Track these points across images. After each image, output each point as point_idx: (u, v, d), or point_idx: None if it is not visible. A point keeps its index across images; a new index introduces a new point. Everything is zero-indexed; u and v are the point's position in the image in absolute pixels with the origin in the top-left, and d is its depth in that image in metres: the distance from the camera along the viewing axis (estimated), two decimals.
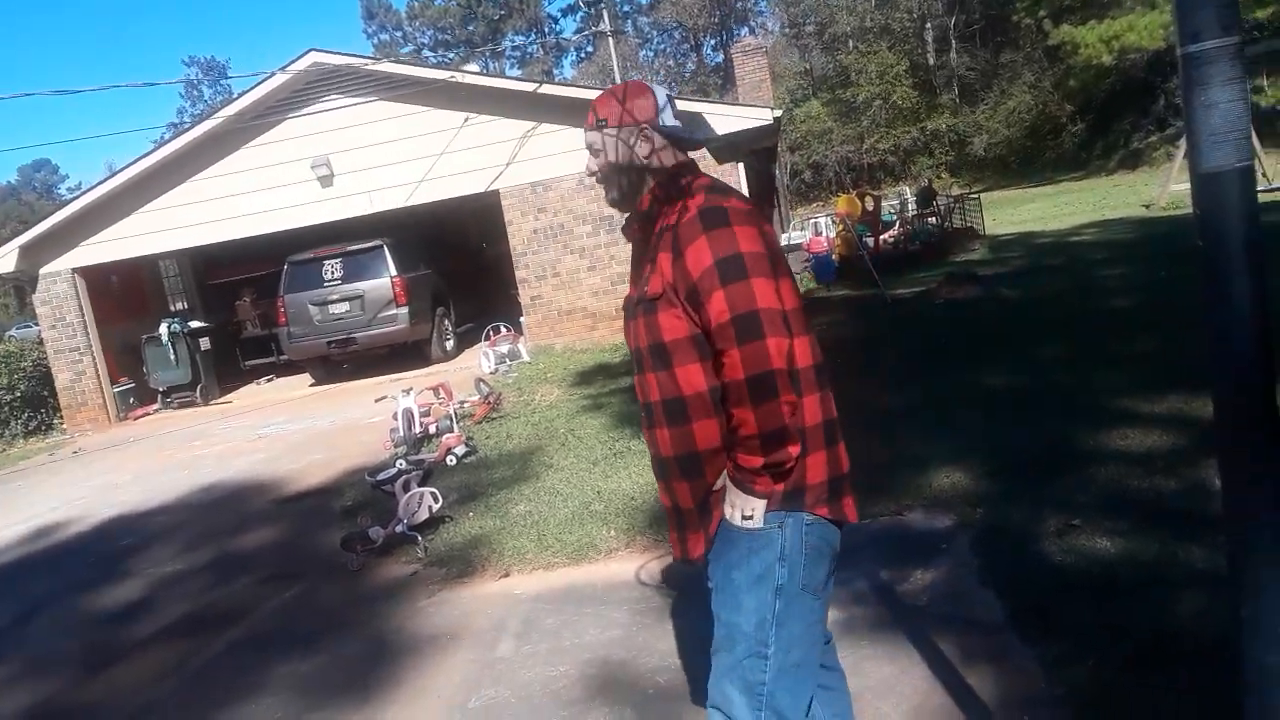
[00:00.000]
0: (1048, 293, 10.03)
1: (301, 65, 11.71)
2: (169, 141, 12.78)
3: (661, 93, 2.10)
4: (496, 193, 11.84)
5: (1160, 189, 18.05)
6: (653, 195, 2.04)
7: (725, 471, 1.94)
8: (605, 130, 2.06)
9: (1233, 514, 1.43)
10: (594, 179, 2.13)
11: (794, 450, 1.86)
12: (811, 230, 17.83)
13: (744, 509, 1.90)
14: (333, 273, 11.99)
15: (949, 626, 3.30)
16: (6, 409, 13.06)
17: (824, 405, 1.97)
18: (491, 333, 11.45)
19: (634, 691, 3.25)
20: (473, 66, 17.12)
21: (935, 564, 3.83)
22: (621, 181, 2.07)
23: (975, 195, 19.63)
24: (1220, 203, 1.33)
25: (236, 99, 12.33)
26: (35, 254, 12.87)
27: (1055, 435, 5.06)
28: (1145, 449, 4.62)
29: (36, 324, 15.00)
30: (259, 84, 11.94)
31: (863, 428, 5.83)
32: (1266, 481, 1.37)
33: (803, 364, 1.91)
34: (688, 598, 3.95)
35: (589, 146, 2.10)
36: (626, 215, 2.15)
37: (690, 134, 2.15)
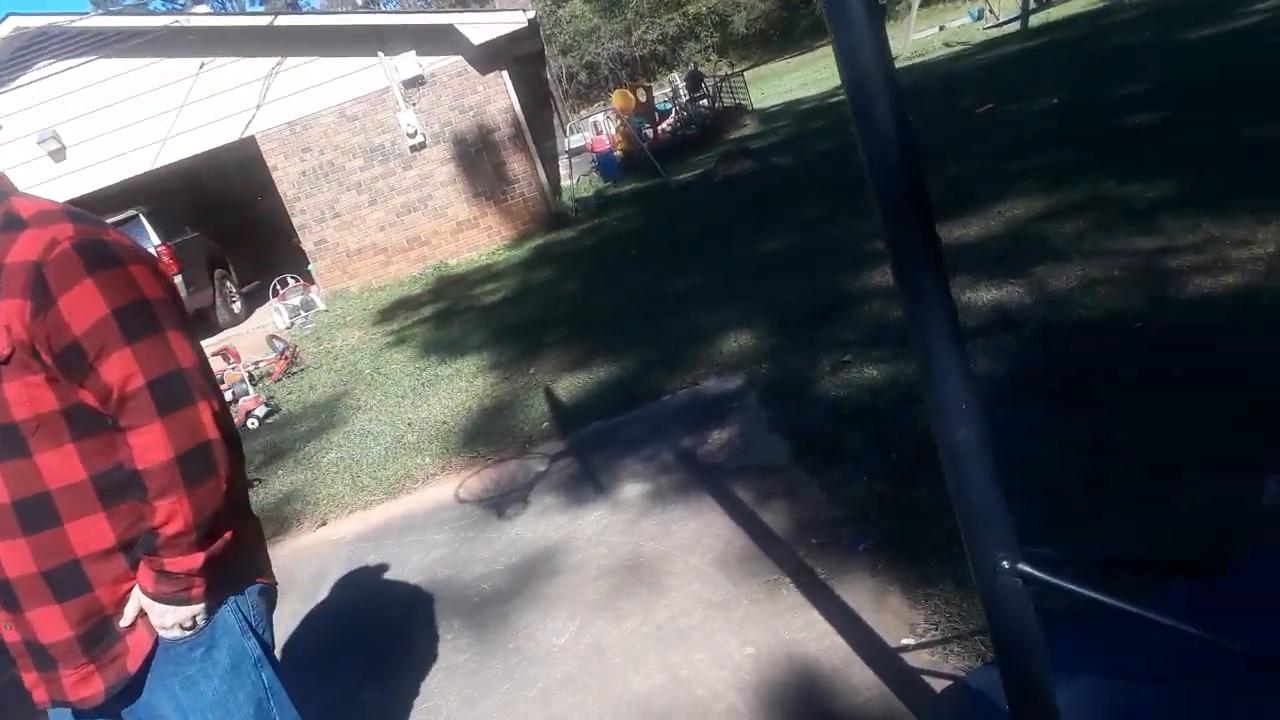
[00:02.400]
0: (814, 154, 10.50)
1: (2, 32, 10.45)
2: None
3: None
4: (253, 139, 11.11)
5: (902, 41, 19.03)
6: None
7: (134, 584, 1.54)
8: None
9: (909, 303, 1.59)
10: None
11: (229, 534, 1.56)
12: (592, 130, 17.80)
13: (179, 620, 1.55)
14: None
15: (745, 476, 3.53)
16: None
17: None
18: (279, 286, 10.91)
19: (460, 602, 3.31)
20: (204, 7, 15.75)
21: (729, 422, 4.06)
22: None
23: (740, 73, 20.10)
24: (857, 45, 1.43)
25: None
26: None
27: (826, 285, 5.40)
28: None
29: None
30: None
31: (655, 313, 6.07)
32: (926, 269, 1.53)
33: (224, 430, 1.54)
34: (507, 495, 4.03)
35: None
36: None
37: None
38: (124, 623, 1.54)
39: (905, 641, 2.30)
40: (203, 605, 1.56)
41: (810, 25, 37.33)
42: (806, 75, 23.73)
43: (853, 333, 4.51)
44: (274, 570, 1.77)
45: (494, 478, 4.36)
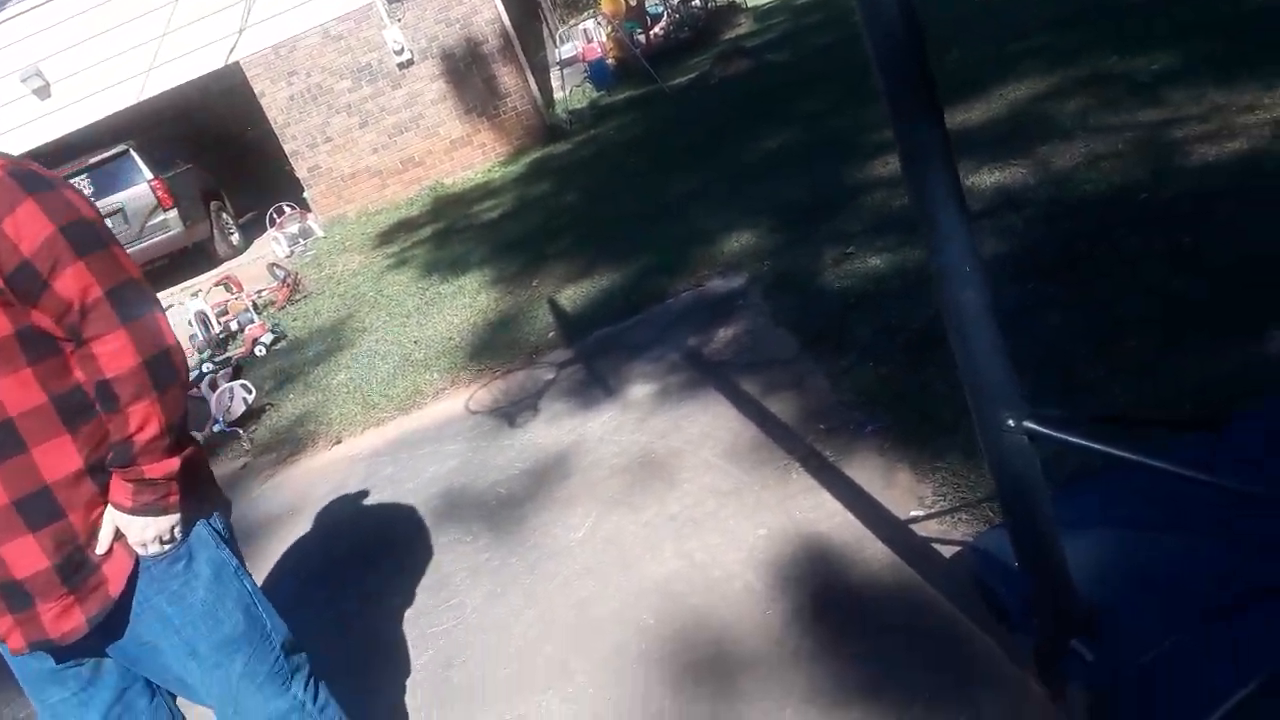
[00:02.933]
0: (812, 49, 10.24)
1: None
2: None
3: None
4: (238, 65, 10.87)
5: None
6: None
7: (107, 504, 1.53)
8: None
9: (910, 169, 1.56)
10: None
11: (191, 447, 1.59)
12: (582, 38, 17.36)
13: (159, 533, 1.55)
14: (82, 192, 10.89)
15: (751, 370, 3.54)
16: None
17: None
18: (276, 215, 10.81)
19: (479, 507, 3.37)
20: None
21: (735, 319, 4.06)
22: None
23: None
24: None
25: None
26: None
27: (828, 179, 5.33)
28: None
29: None
30: None
31: (659, 218, 6.01)
32: (927, 128, 1.50)
33: None
34: (517, 404, 4.07)
35: None
36: None
37: None
38: (100, 549, 1.53)
39: (914, 513, 2.34)
40: (179, 515, 1.56)
41: None
42: None
43: (856, 225, 4.47)
44: (229, 494, 1.79)
45: (503, 388, 4.39)
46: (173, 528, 1.56)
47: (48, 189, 1.46)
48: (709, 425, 3.28)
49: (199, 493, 1.65)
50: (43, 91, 10.83)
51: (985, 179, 4.31)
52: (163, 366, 1.48)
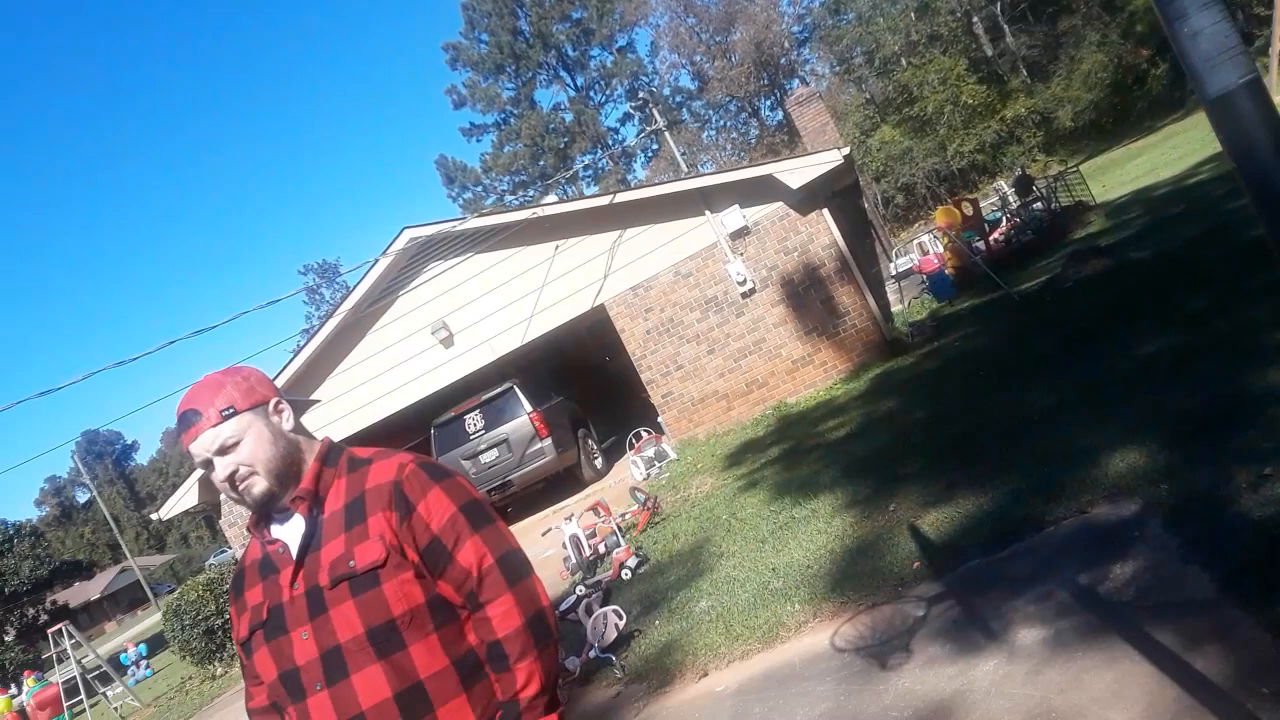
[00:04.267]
0: (1178, 243, 9.52)
1: (399, 244, 12.52)
2: (302, 349, 13.76)
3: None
4: (602, 306, 12.20)
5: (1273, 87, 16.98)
6: (320, 466, 1.78)
7: None
8: (238, 416, 1.73)
9: None
10: (237, 481, 1.73)
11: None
12: (918, 250, 17.54)
13: None
14: (475, 425, 12.50)
15: (1162, 615, 3.13)
16: (220, 633, 13.96)
17: None
18: (634, 440, 11.63)
19: None
20: (551, 198, 17.85)
21: (1132, 554, 3.64)
22: (276, 464, 1.74)
23: (1075, 168, 18.93)
24: (1237, 121, 1.33)
25: (352, 290, 13.23)
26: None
27: (1225, 387, 4.77)
28: None
29: (229, 547, 16.08)
30: (367, 271, 12.80)
31: (1022, 434, 5.67)
32: None
33: None
34: (887, 648, 3.87)
35: (221, 445, 1.72)
36: (264, 507, 1.77)
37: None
38: None
39: None
40: None
41: (1148, 105, 34.48)
42: (1153, 159, 21.80)
43: (1270, 441, 3.91)
44: None
45: (869, 624, 4.22)
46: None
47: (449, 477, 1.76)
48: (1117, 682, 2.90)
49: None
50: (447, 341, 12.79)
51: None
52: (541, 626, 1.67)
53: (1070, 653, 3.17)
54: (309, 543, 1.72)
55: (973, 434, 6.23)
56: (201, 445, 1.71)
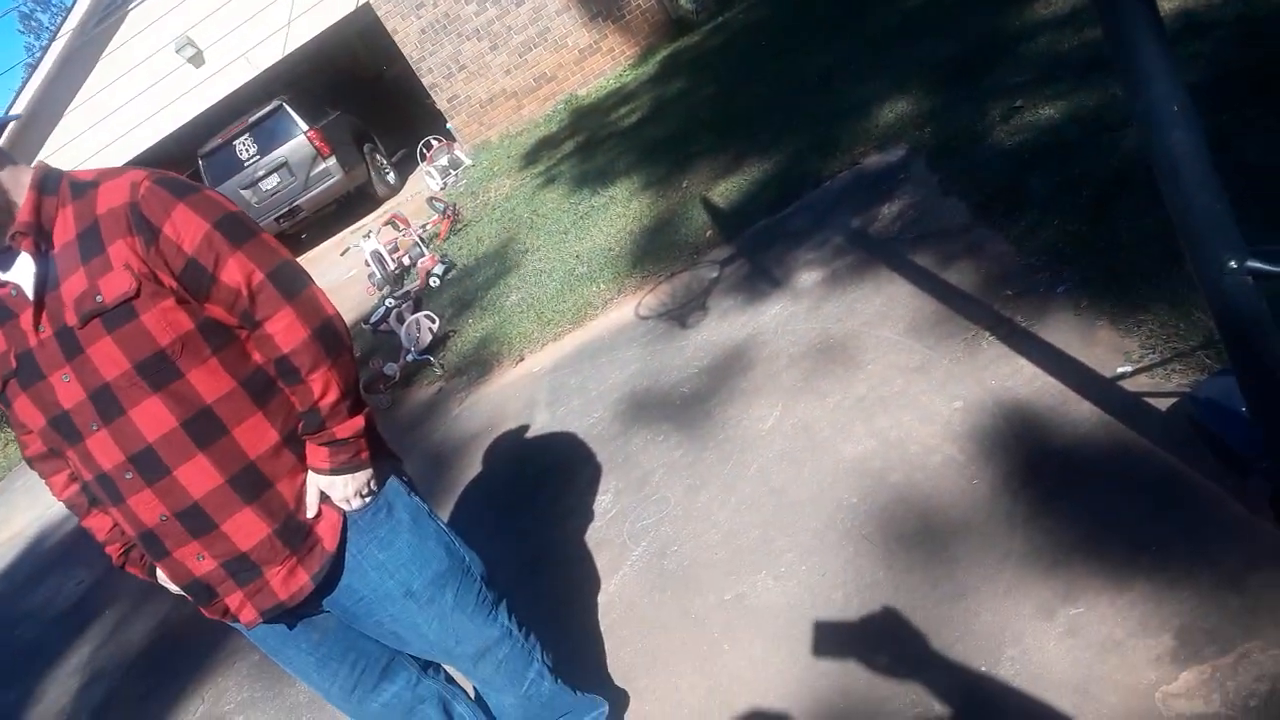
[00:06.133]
0: None
1: None
2: (26, 84, 11.99)
3: None
4: (368, 4, 11.13)
5: None
6: (37, 195, 1.59)
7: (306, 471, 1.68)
8: None
9: (1104, 5, 1.47)
10: None
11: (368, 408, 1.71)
12: None
13: (359, 487, 1.70)
14: (248, 150, 11.53)
15: (923, 243, 3.46)
16: None
17: None
18: (425, 150, 11.15)
19: (665, 407, 3.49)
20: None
21: (898, 194, 3.94)
22: None
23: None
24: None
25: (71, 10, 11.40)
26: None
27: (983, 29, 5.00)
28: (1070, 7, 4.56)
29: None
30: None
31: (800, 99, 5.84)
32: None
33: None
34: (685, 309, 4.14)
35: None
36: None
37: None
38: (310, 513, 1.68)
39: (1122, 369, 2.26)
40: (372, 469, 1.70)
41: None
42: None
43: (1021, 75, 4.20)
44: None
45: (669, 291, 4.46)
46: (369, 481, 1.71)
47: (194, 191, 1.60)
48: (885, 304, 3.25)
49: (383, 448, 1.81)
50: (197, 59, 11.44)
51: (1164, 3, 3.95)
52: (330, 335, 1.61)
53: (844, 287, 3.50)
54: (44, 282, 1.57)
55: (757, 104, 6.36)
56: None
